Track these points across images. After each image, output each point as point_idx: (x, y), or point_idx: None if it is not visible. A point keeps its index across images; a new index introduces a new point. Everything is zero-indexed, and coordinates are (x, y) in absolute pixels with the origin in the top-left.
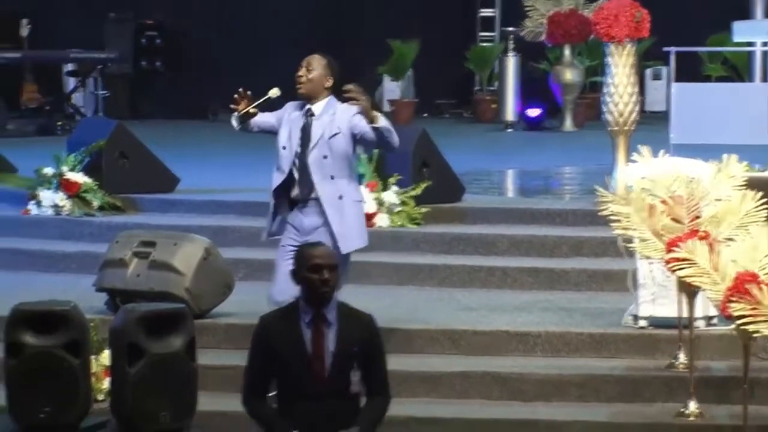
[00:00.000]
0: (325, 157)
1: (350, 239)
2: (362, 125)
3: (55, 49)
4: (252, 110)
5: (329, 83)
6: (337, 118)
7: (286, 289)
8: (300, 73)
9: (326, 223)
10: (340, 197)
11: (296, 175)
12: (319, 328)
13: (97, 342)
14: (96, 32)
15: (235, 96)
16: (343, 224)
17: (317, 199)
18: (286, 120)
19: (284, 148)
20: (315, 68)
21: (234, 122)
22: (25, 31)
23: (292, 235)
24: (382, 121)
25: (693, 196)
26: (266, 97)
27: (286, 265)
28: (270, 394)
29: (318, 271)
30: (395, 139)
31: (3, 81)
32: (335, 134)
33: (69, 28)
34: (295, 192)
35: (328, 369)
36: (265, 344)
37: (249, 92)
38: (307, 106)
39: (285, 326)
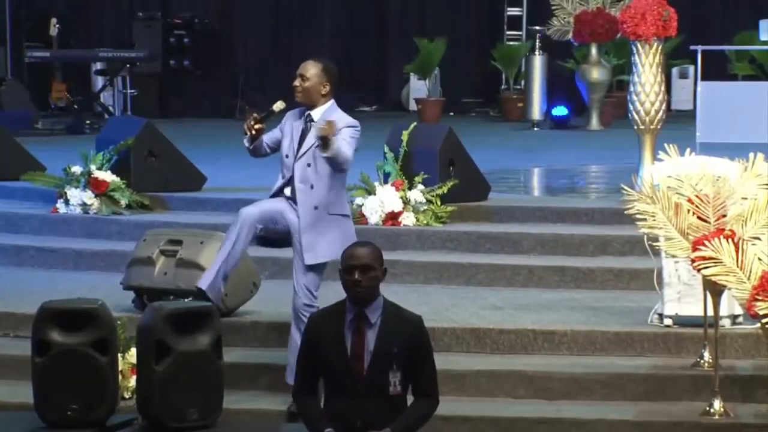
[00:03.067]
0: (308, 165)
1: (316, 251)
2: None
3: (84, 48)
4: (258, 126)
5: (326, 89)
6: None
7: (301, 296)
8: (295, 83)
9: (298, 230)
10: (315, 207)
11: (289, 178)
12: (359, 328)
13: (124, 340)
14: (125, 31)
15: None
16: (311, 235)
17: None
18: (288, 129)
19: (287, 156)
20: (310, 77)
21: (246, 142)
22: (54, 30)
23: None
24: (332, 150)
25: (719, 194)
26: (271, 109)
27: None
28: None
29: (350, 271)
30: (342, 163)
31: (32, 80)
32: (316, 144)
33: (98, 28)
34: (289, 192)
35: (367, 369)
36: (311, 342)
37: (254, 114)
38: (307, 112)
39: (329, 325)
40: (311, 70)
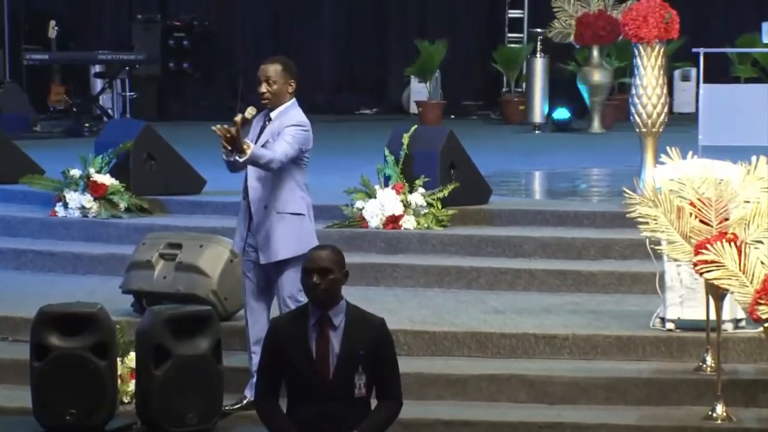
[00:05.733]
0: None
1: (270, 250)
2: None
3: (82, 50)
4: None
5: (292, 87)
6: (281, 126)
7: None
8: (262, 90)
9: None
10: (265, 206)
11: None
12: (323, 331)
13: (123, 344)
14: (124, 33)
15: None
16: (262, 234)
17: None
18: (258, 126)
19: None
20: (276, 79)
21: (224, 155)
22: (53, 32)
23: (251, 240)
24: (249, 156)
25: (721, 198)
26: (243, 116)
27: (248, 288)
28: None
29: (309, 274)
30: (266, 164)
31: (31, 82)
32: (267, 143)
33: (97, 30)
34: (244, 198)
35: (333, 371)
36: (274, 346)
37: (225, 125)
38: (269, 111)
39: (293, 328)
40: (274, 73)
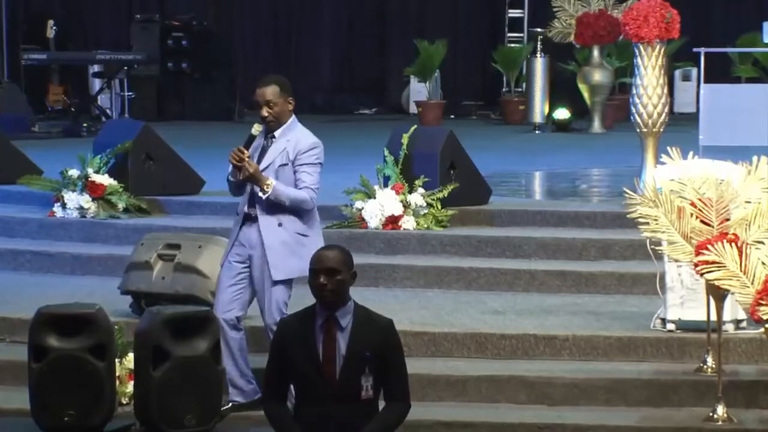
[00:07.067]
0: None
1: (281, 269)
2: (298, 176)
3: (81, 50)
4: (246, 155)
5: (292, 105)
6: (290, 147)
7: (226, 305)
8: (264, 113)
9: (262, 246)
10: (280, 224)
11: (250, 192)
12: (330, 332)
13: (121, 345)
14: (122, 33)
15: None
16: (276, 252)
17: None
18: (255, 146)
19: None
20: (276, 101)
21: (230, 177)
22: (51, 32)
23: (237, 250)
24: (272, 192)
25: (722, 198)
26: (250, 134)
27: (226, 279)
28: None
29: (316, 275)
30: (300, 204)
31: (29, 82)
32: (284, 164)
33: (95, 30)
34: (248, 209)
35: (339, 373)
36: (281, 346)
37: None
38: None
39: (300, 329)
40: (272, 93)
